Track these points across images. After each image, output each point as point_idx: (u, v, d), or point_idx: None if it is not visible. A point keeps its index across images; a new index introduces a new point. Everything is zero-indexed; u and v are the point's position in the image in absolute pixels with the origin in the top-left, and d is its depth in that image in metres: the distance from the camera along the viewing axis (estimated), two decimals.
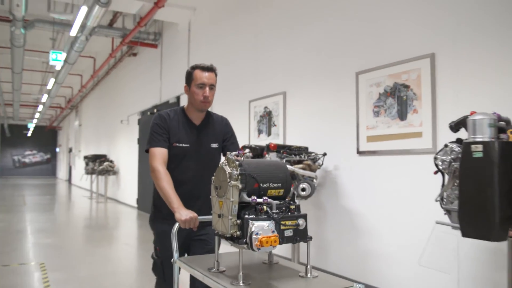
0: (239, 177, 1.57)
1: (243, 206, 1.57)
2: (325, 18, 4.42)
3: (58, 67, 10.33)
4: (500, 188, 1.84)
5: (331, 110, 4.30)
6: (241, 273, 1.54)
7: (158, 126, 2.31)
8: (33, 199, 14.16)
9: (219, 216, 1.64)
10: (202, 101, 2.29)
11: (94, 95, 16.94)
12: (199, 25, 7.55)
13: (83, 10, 6.39)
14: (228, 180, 1.57)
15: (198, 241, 2.32)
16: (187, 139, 2.34)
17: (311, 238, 1.64)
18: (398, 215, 3.53)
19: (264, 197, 1.59)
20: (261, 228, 1.48)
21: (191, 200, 2.22)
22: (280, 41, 5.15)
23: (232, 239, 1.57)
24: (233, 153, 1.66)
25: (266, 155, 3.89)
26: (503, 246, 2.75)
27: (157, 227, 2.35)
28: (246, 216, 1.53)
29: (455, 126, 2.16)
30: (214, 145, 2.40)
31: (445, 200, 2.21)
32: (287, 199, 1.68)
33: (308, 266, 1.64)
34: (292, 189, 1.70)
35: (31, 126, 26.92)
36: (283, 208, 1.60)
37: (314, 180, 3.83)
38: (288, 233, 1.57)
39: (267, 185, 1.63)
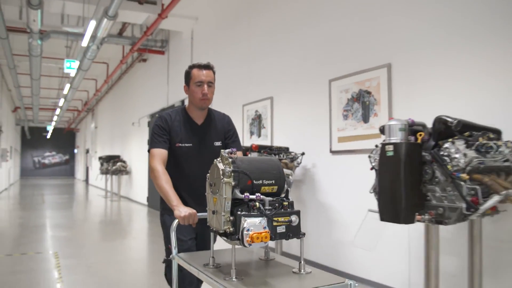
0: (232, 174, 1.60)
1: (237, 203, 1.60)
2: (306, 30, 4.88)
3: (72, 74, 10.98)
4: (407, 181, 2.29)
5: (310, 113, 4.76)
6: (234, 269, 1.58)
7: (159, 128, 2.36)
8: (52, 198, 14.94)
9: (213, 212, 1.67)
10: (201, 98, 2.34)
11: (109, 99, 17.69)
12: (200, 33, 8.08)
13: (92, 23, 6.98)
14: (221, 177, 1.60)
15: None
16: (190, 139, 2.38)
17: (304, 234, 1.66)
18: (365, 208, 3.96)
19: (257, 194, 1.61)
20: (252, 224, 1.51)
21: (198, 198, 2.25)
22: (269, 50, 5.63)
23: (226, 235, 1.61)
24: (227, 150, 1.68)
25: (249, 155, 4.37)
26: (445, 233, 3.19)
27: (168, 220, 2.34)
28: (239, 213, 1.55)
29: (383, 130, 2.61)
30: (217, 143, 2.44)
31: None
32: (282, 195, 1.72)
33: (302, 262, 1.67)
34: (285, 185, 1.75)
35: (50, 128, 27.94)
36: (276, 204, 1.63)
37: (290, 176, 4.29)
38: (281, 229, 1.59)
39: (260, 182, 1.66)
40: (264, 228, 1.52)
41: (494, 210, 2.31)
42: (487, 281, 2.89)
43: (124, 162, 13.55)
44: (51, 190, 18.85)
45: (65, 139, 32.88)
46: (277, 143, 5.27)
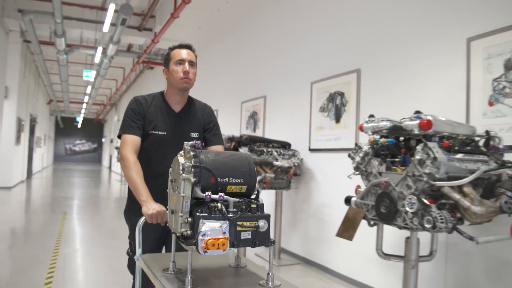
0: (192, 169, 1.43)
1: (200, 203, 1.43)
2: (235, 64, 7.09)
3: (91, 80, 13.56)
4: None
5: (234, 123, 6.97)
6: (189, 277, 1.43)
7: (133, 112, 2.16)
8: (76, 180, 17.73)
9: (172, 212, 1.52)
10: (182, 77, 2.13)
11: (128, 96, 20.33)
12: None
13: (100, 49, 9.40)
14: (181, 172, 1.43)
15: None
16: (165, 126, 2.19)
17: (273, 242, 1.48)
18: None
19: (220, 194, 1.42)
20: (211, 228, 1.33)
21: (165, 191, 1.92)
22: (216, 73, 7.88)
23: (184, 238, 1.43)
24: (190, 142, 1.51)
25: None
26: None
27: (132, 220, 2.14)
28: (198, 214, 1.38)
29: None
30: (195, 134, 2.24)
31: None
32: (252, 197, 1.53)
33: (270, 274, 1.51)
34: (257, 185, 1.57)
35: (79, 119, 31.08)
36: (243, 207, 1.44)
37: None
38: (246, 235, 1.41)
39: (226, 180, 1.47)
40: (224, 233, 1.35)
41: (267, 184, 4.46)
42: (288, 230, 5.07)
43: None
44: (77, 174, 21.79)
45: (94, 129, 35.99)
46: None
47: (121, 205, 9.94)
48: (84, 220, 7.30)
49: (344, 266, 4.18)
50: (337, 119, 4.35)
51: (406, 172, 2.33)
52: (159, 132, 2.18)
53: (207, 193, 1.41)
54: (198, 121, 2.28)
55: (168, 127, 2.20)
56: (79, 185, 15.18)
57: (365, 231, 2.81)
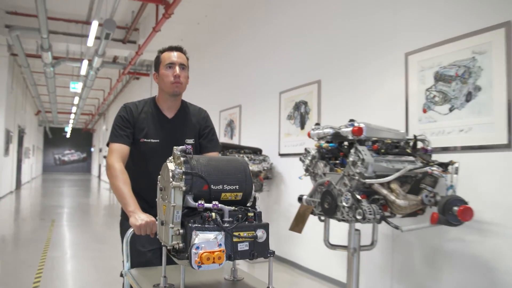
0: (183, 176, 1.33)
1: (192, 213, 1.34)
2: (218, 77, 7.48)
3: (79, 91, 13.86)
4: None
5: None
6: None
7: (122, 119, 2.08)
8: (65, 189, 17.92)
9: (162, 223, 1.41)
10: (172, 82, 2.05)
11: (116, 105, 20.61)
12: None
13: (85, 62, 9.73)
14: (171, 180, 1.33)
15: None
16: (157, 134, 2.10)
17: (273, 253, 1.40)
18: None
19: (214, 202, 1.33)
20: (205, 240, 1.24)
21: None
22: (198, 81, 8.27)
23: (175, 252, 1.33)
24: (180, 147, 1.40)
25: None
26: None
27: (127, 227, 1.86)
28: (190, 225, 1.28)
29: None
30: (190, 141, 2.15)
31: None
32: (248, 204, 1.45)
33: (270, 287, 1.44)
34: (253, 192, 1.47)
35: (68, 129, 31.23)
36: (239, 215, 1.35)
37: None
38: (243, 246, 1.32)
39: (219, 187, 1.37)
40: (219, 245, 1.25)
41: None
42: None
43: None
44: (66, 183, 21.94)
45: (83, 139, 36.09)
46: None
47: (109, 213, 10.23)
48: (72, 226, 7.59)
49: (310, 261, 4.56)
50: (302, 126, 4.74)
51: (343, 172, 2.72)
52: (152, 140, 2.10)
53: (199, 201, 1.33)
54: (193, 126, 2.21)
55: (160, 134, 2.12)
56: (68, 194, 15.40)
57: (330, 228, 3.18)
